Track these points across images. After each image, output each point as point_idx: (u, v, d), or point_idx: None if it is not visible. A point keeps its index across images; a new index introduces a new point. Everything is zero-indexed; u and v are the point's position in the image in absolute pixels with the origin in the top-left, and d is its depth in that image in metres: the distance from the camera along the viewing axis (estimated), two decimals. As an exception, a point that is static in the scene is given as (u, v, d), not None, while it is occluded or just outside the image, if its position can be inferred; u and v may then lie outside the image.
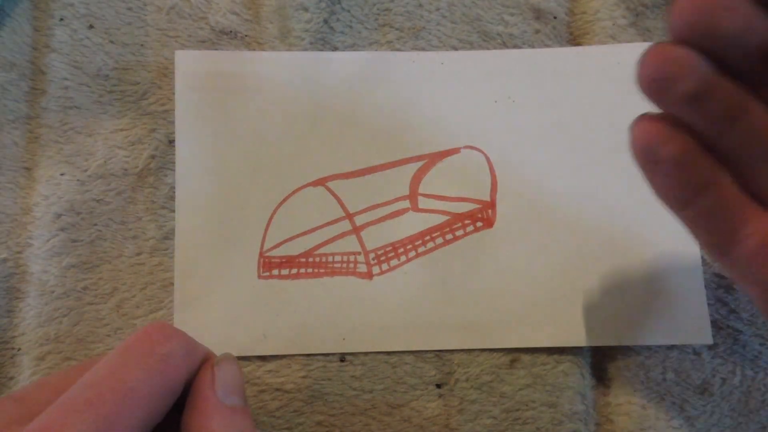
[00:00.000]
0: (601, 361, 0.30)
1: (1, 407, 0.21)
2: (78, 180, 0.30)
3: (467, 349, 0.29)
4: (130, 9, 0.32)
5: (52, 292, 0.29)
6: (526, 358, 0.29)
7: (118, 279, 0.29)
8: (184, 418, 0.21)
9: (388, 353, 0.29)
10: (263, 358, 0.29)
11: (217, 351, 0.28)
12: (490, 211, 0.30)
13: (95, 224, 0.30)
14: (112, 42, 0.31)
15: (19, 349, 0.29)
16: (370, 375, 0.29)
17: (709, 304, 0.30)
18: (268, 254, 0.30)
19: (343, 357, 0.29)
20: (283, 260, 0.30)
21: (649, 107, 0.21)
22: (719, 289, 0.30)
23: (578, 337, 0.29)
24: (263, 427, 0.28)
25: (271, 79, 0.31)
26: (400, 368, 0.29)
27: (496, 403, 0.29)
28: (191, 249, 0.29)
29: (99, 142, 0.30)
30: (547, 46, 0.32)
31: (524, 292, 0.30)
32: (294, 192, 0.30)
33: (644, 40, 0.32)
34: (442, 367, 0.29)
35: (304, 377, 0.29)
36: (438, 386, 0.29)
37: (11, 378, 0.29)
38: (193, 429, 0.21)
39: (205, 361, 0.22)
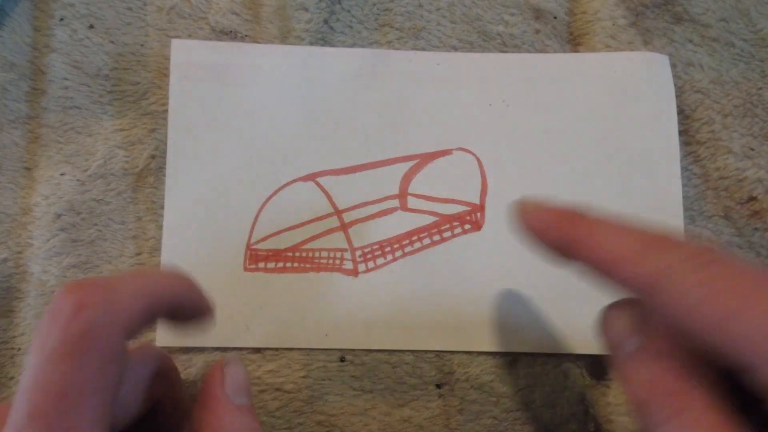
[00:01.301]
0: (600, 361, 0.30)
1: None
2: (78, 180, 0.30)
3: (467, 350, 0.29)
4: (130, 9, 0.31)
5: (53, 292, 0.29)
6: (526, 358, 0.29)
7: (118, 279, 0.29)
8: (195, 417, 0.21)
9: (389, 353, 0.29)
10: (264, 358, 0.29)
11: (200, 340, 0.28)
12: (478, 214, 0.30)
13: (95, 224, 0.30)
14: (112, 42, 0.31)
15: (19, 349, 0.29)
16: (370, 375, 0.29)
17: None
18: (255, 247, 0.30)
19: (343, 357, 0.29)
20: (270, 253, 0.30)
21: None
22: (719, 289, 0.30)
23: (565, 345, 0.29)
24: (263, 427, 0.28)
25: (267, 72, 0.31)
26: (400, 368, 0.29)
27: (496, 404, 0.29)
28: (179, 238, 0.29)
29: (99, 142, 0.30)
30: (547, 45, 0.32)
31: (510, 297, 0.29)
32: (284, 186, 0.30)
33: (644, 41, 0.32)
34: (442, 367, 0.29)
35: (304, 377, 0.29)
36: (438, 386, 0.29)
37: (11, 378, 0.29)
38: (204, 428, 0.21)
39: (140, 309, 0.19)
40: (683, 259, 0.18)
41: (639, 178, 0.30)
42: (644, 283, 0.19)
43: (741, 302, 0.17)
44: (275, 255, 0.30)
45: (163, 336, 0.29)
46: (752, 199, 0.31)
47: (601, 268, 0.20)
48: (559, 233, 0.22)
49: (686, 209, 0.30)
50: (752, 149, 0.31)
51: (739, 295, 0.17)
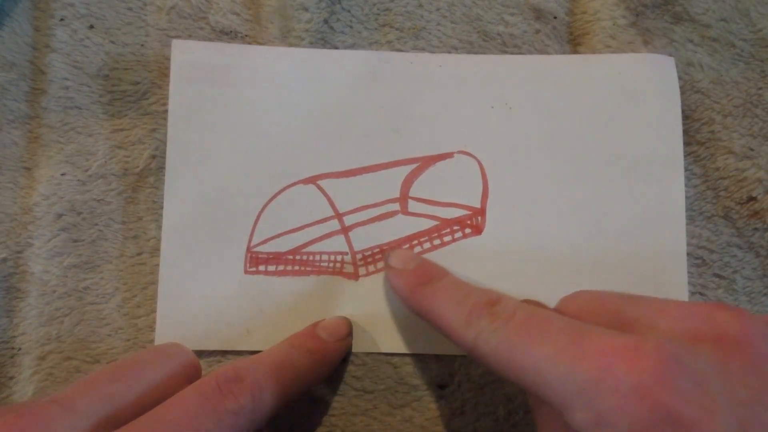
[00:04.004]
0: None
1: (49, 414, 0.20)
2: (79, 180, 0.30)
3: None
4: (130, 9, 0.31)
5: (54, 291, 0.29)
6: (526, 357, 0.29)
7: (119, 279, 0.29)
8: None
9: (391, 354, 0.29)
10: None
11: (200, 344, 0.28)
12: (479, 218, 0.30)
13: (96, 224, 0.30)
14: (112, 42, 0.31)
15: (20, 349, 0.29)
16: (371, 375, 0.29)
17: (708, 304, 0.30)
18: (255, 249, 0.30)
19: (344, 357, 0.29)
20: (270, 256, 0.30)
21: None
22: (719, 290, 0.30)
23: None
24: (264, 428, 0.28)
25: (268, 74, 0.31)
26: (402, 369, 0.29)
27: (498, 405, 0.29)
28: (179, 240, 0.29)
29: (99, 142, 0.30)
30: (547, 46, 0.32)
31: None
32: (285, 189, 0.30)
33: (644, 41, 0.32)
34: (444, 368, 0.29)
35: (304, 377, 0.29)
36: (440, 387, 0.29)
37: (11, 378, 0.29)
38: None
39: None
40: (490, 322, 0.22)
41: (641, 181, 0.30)
42: (468, 349, 0.23)
43: (538, 352, 0.20)
44: (276, 258, 0.30)
45: (163, 338, 0.29)
46: (752, 199, 0.31)
47: (445, 335, 0.24)
48: (413, 305, 0.26)
49: (686, 209, 0.31)
50: (752, 149, 0.31)
51: (539, 347, 0.20)
